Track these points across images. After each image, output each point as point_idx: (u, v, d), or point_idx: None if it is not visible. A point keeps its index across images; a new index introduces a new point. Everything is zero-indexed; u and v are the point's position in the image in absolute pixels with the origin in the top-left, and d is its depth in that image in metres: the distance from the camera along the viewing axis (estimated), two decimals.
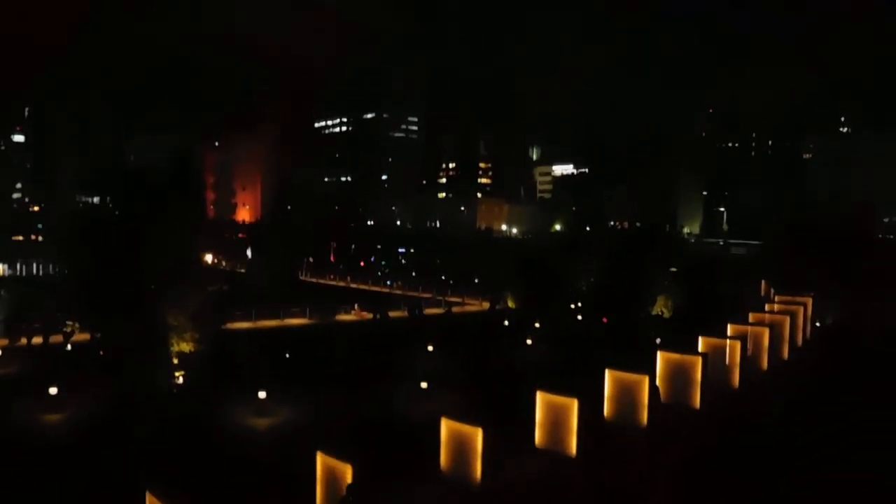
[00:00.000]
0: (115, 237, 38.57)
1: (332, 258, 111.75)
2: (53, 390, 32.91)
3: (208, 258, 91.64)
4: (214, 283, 48.44)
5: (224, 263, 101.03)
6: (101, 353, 38.53)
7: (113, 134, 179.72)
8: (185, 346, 37.25)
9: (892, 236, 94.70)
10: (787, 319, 38.57)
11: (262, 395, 32.97)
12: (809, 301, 45.03)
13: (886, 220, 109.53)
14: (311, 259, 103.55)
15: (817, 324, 49.11)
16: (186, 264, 40.39)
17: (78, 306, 38.49)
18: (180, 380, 36.34)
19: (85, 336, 41.76)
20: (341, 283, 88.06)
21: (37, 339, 46.68)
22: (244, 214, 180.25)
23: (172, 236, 39.22)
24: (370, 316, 61.71)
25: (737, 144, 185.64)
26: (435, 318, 61.71)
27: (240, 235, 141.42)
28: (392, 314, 62.40)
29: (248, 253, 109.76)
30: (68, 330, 44.19)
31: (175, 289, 37.50)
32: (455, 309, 66.01)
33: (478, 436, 18.90)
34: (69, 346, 44.78)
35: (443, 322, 59.84)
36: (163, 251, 38.12)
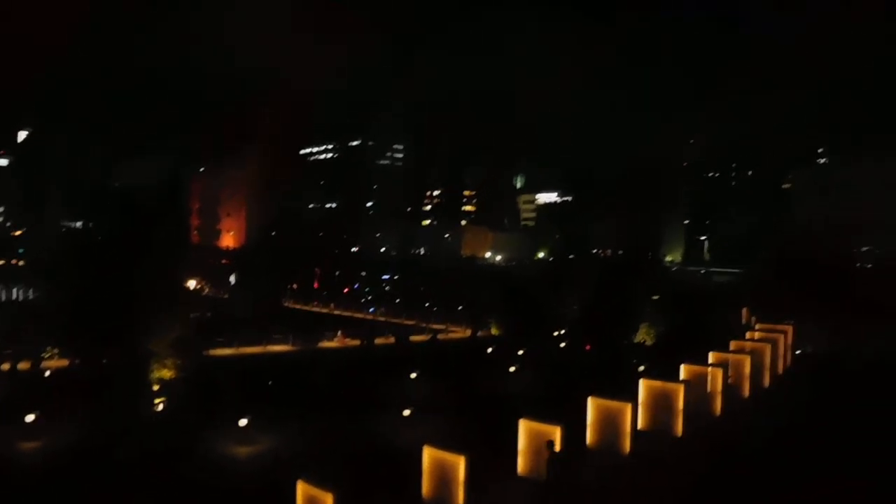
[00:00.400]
0: (98, 262, 38.38)
1: (315, 285, 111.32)
2: (30, 417, 32.44)
3: (192, 284, 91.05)
4: (197, 310, 48.21)
5: (207, 289, 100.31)
6: (80, 379, 38.05)
7: (98, 159, 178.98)
8: (167, 373, 36.98)
9: (869, 265, 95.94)
10: (769, 347, 38.89)
11: (242, 422, 32.70)
12: (790, 329, 45.46)
13: (866, 248, 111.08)
14: (294, 285, 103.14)
15: (797, 352, 49.56)
16: (169, 290, 40.25)
17: (58, 332, 38.11)
18: (160, 406, 35.95)
19: (63, 362, 41.22)
20: (325, 310, 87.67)
21: (23, 365, 45.88)
22: (228, 240, 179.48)
23: (155, 262, 39.14)
24: (354, 343, 61.47)
25: (717, 174, 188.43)
26: (420, 346, 61.54)
27: (224, 261, 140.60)
28: (378, 341, 62.24)
29: (232, 279, 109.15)
30: (46, 355, 43.59)
31: (157, 315, 37.30)
32: (440, 336, 65.86)
33: (460, 464, 18.86)
34: (48, 373, 44.12)
35: (427, 349, 59.67)
36: (146, 277, 38.00)
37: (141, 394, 35.48)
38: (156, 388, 36.55)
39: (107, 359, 36.43)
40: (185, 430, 32.72)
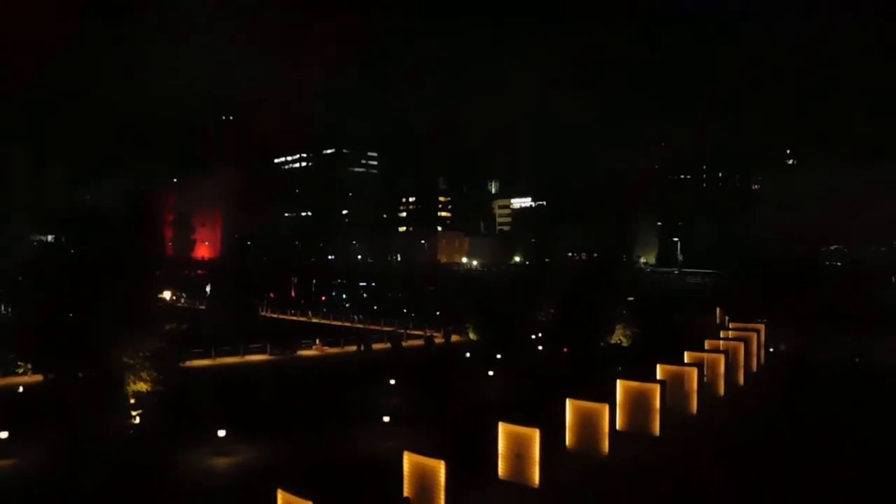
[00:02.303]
0: (71, 275, 37.90)
1: (292, 293, 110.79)
2: (3, 434, 31.92)
3: (167, 295, 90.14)
4: (173, 321, 47.75)
5: (183, 301, 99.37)
6: (55, 394, 37.50)
7: (70, 173, 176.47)
8: (143, 386, 36.55)
9: (838, 263, 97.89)
10: (742, 346, 39.58)
11: (221, 433, 32.46)
12: (762, 328, 46.26)
13: (834, 247, 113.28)
14: (271, 294, 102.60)
15: (770, 350, 50.43)
16: (143, 303, 39.84)
17: (32, 346, 37.50)
18: (137, 420, 35.56)
19: (37, 378, 40.60)
20: (302, 319, 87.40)
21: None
22: (204, 251, 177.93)
23: (129, 275, 38.74)
24: (332, 350, 61.39)
25: (689, 177, 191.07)
26: (387, 354, 61.51)
27: (199, 272, 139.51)
28: (348, 347, 62.22)
29: (208, 290, 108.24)
30: (20, 371, 42.88)
31: (132, 328, 36.89)
32: (405, 343, 65.78)
33: (440, 469, 18.99)
34: (21, 389, 43.47)
35: (407, 356, 59.66)
36: (120, 290, 37.58)
37: (117, 408, 35.04)
38: (132, 401, 36.13)
39: (82, 373, 35.95)
40: (162, 443, 32.43)
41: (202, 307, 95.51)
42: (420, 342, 65.66)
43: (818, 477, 26.02)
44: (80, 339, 35.69)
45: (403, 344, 64.13)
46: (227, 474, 30.33)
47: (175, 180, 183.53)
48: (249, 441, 33.15)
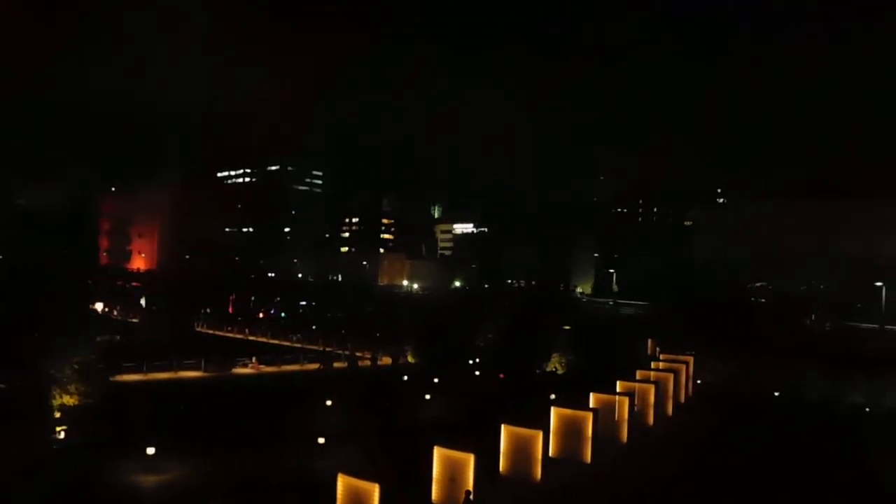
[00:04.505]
0: None
1: (230, 310, 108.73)
2: None
3: (99, 306, 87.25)
4: (105, 333, 46.50)
5: (116, 312, 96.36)
6: None
7: (1, 176, 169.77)
8: (69, 399, 35.46)
9: (763, 300, 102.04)
10: (672, 377, 40.98)
11: (150, 450, 31.73)
12: (691, 360, 47.97)
13: (759, 284, 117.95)
14: (208, 310, 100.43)
15: (698, 381, 52.23)
16: (74, 312, 38.82)
17: None
18: (62, 435, 34.43)
19: None
20: (239, 336, 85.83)
21: None
22: (140, 262, 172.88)
23: (59, 283, 37.75)
24: (268, 369, 60.63)
25: (625, 210, 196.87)
26: (339, 372, 61.20)
27: (134, 284, 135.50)
28: (290, 367, 61.55)
29: (143, 302, 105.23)
30: None
31: (60, 338, 35.85)
32: (360, 363, 65.56)
33: (374, 491, 19.18)
34: None
35: (346, 376, 59.36)
36: (49, 298, 36.58)
37: (41, 421, 33.88)
38: (57, 415, 34.98)
39: (5, 384, 34.69)
40: (89, 459, 31.49)
41: (135, 320, 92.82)
42: (367, 363, 65.56)
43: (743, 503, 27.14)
44: (5, 348, 34.53)
45: (335, 365, 63.73)
46: (156, 492, 29.66)
47: (113, 189, 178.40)
48: (180, 458, 32.49)
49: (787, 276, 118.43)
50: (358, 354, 67.96)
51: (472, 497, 20.47)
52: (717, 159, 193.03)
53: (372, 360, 66.24)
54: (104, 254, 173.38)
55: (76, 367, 36.17)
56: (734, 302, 76.83)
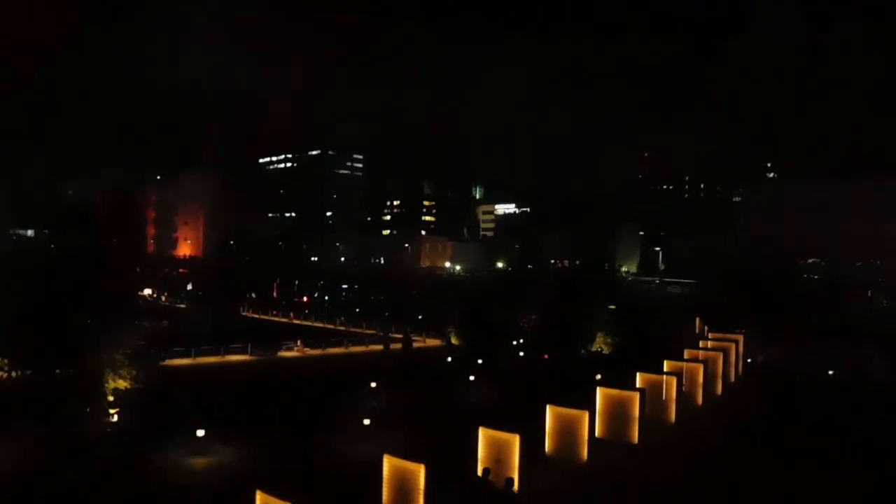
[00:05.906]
0: (50, 270, 37.57)
1: (274, 294, 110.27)
2: None
3: (147, 293, 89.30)
4: (153, 319, 47.45)
5: (164, 298, 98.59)
6: (31, 391, 37.07)
7: (53, 167, 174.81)
8: (122, 383, 36.28)
9: (815, 276, 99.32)
10: (721, 356, 39.98)
11: (200, 433, 32.31)
12: (741, 339, 46.77)
13: (812, 261, 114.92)
14: (253, 294, 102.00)
15: (749, 360, 51.00)
16: (124, 299, 39.57)
17: (9, 343, 37.06)
18: (115, 417, 35.29)
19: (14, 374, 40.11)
20: (284, 320, 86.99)
21: None
22: (186, 249, 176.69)
23: (109, 271, 38.45)
24: (313, 352, 61.27)
25: (671, 187, 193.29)
26: (394, 353, 61.51)
27: (181, 270, 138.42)
28: (335, 349, 62.14)
29: (189, 288, 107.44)
30: None
31: (111, 325, 36.61)
32: (394, 346, 65.80)
33: (420, 472, 19.04)
34: None
35: (394, 359, 59.58)
36: (99, 286, 37.30)
37: (95, 405, 34.75)
38: (111, 399, 35.85)
39: (59, 370, 35.61)
40: (140, 442, 32.22)
41: (183, 306, 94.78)
42: (416, 345, 65.83)
43: (795, 485, 26.39)
44: (59, 336, 35.38)
45: (391, 347, 64.01)
46: (206, 474, 30.21)
47: (158, 177, 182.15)
48: (228, 441, 33.02)
49: (842, 255, 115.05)
50: (400, 336, 68.16)
51: (514, 487, 20.17)
52: (766, 135, 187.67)
53: (420, 342, 66.36)
54: (151, 241, 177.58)
55: (128, 352, 36.95)
56: (785, 280, 74.77)
